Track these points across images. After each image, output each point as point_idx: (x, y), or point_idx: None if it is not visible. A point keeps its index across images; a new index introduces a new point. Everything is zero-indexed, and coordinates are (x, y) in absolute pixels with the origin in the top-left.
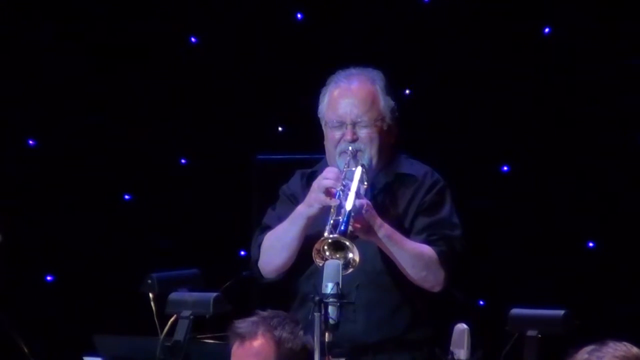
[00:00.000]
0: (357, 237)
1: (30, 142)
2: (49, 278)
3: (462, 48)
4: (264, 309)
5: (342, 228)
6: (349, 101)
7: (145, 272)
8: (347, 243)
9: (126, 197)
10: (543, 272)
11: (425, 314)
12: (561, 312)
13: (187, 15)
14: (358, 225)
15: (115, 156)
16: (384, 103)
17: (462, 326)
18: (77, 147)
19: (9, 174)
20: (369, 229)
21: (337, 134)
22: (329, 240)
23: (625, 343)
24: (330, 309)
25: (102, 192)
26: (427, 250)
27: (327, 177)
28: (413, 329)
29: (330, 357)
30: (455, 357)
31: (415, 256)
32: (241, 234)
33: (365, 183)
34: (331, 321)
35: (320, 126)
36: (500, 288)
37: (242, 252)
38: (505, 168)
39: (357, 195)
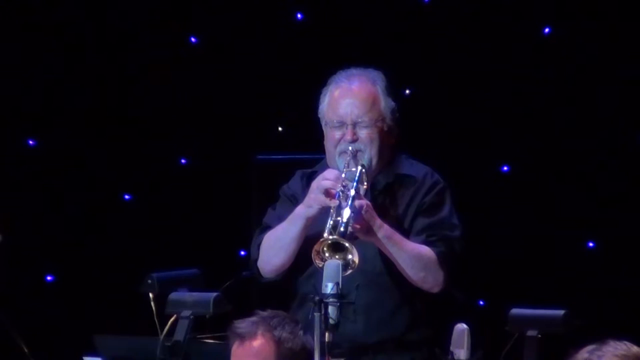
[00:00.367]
0: (356, 237)
1: (30, 142)
2: (49, 278)
3: (462, 48)
4: (264, 309)
5: (342, 229)
6: (349, 101)
7: (145, 272)
8: (347, 244)
9: (126, 197)
10: (543, 272)
11: (424, 314)
12: (561, 312)
13: (187, 15)
14: (358, 226)
15: (115, 156)
16: (385, 104)
17: (462, 326)
18: (77, 147)
19: (9, 174)
20: (368, 230)
21: (337, 134)
22: (329, 242)
23: (626, 342)
24: (330, 309)
25: (102, 192)
26: (427, 251)
27: (326, 178)
28: (412, 329)
29: (329, 357)
30: (455, 357)
31: (414, 257)
32: (241, 234)
33: (365, 183)
34: (331, 321)
35: (320, 126)
36: (500, 288)
37: (242, 252)
38: (505, 168)
39: (357, 195)
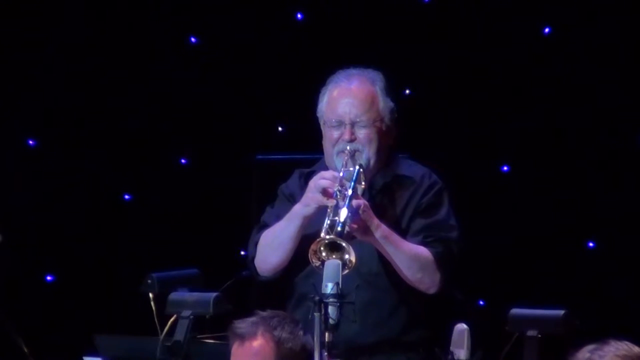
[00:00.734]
0: (354, 237)
1: (30, 142)
2: (49, 278)
3: (462, 48)
4: (263, 309)
5: (339, 229)
6: (348, 101)
7: (145, 272)
8: (344, 244)
9: (126, 197)
10: (543, 272)
11: (421, 315)
12: (561, 312)
13: (187, 15)
14: (355, 226)
15: (115, 156)
16: (384, 104)
17: (462, 326)
18: (77, 147)
19: (9, 174)
20: (366, 230)
21: (336, 134)
22: (326, 241)
23: (627, 342)
24: (330, 309)
25: (102, 192)
26: (424, 251)
27: (324, 177)
28: (409, 330)
29: (329, 357)
30: (455, 357)
31: (411, 257)
32: (241, 234)
33: (363, 183)
34: (331, 321)
35: (319, 125)
36: (500, 288)
37: (242, 252)
38: (505, 168)
39: (355, 195)
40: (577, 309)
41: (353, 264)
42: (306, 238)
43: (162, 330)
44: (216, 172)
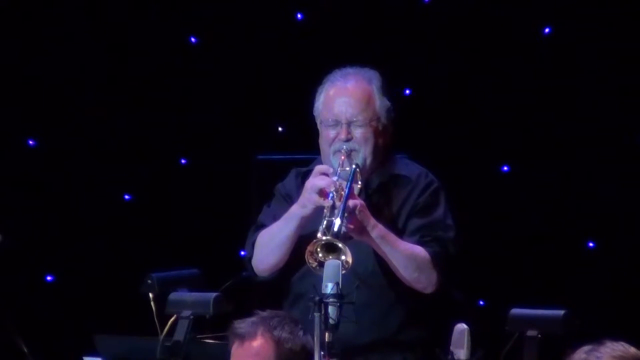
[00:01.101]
0: (350, 237)
1: (30, 142)
2: (49, 278)
3: (462, 48)
4: (263, 309)
5: (335, 229)
6: (344, 100)
7: (145, 272)
8: (340, 245)
9: (126, 197)
10: (543, 272)
11: (418, 314)
12: (561, 312)
13: (187, 15)
14: (351, 226)
15: (115, 156)
16: (380, 103)
17: (462, 326)
18: (77, 147)
19: (9, 174)
20: (362, 230)
21: (332, 133)
22: (322, 242)
23: (623, 343)
24: (331, 309)
25: (102, 192)
26: (420, 251)
27: (319, 177)
28: (405, 329)
29: (328, 358)
30: (455, 357)
31: (408, 257)
32: (241, 234)
33: (359, 183)
34: (331, 321)
35: (316, 125)
36: (500, 288)
37: (242, 252)
38: (505, 168)
39: (351, 195)
40: (577, 309)
41: (349, 265)
42: (303, 238)
43: (162, 330)
44: (216, 172)
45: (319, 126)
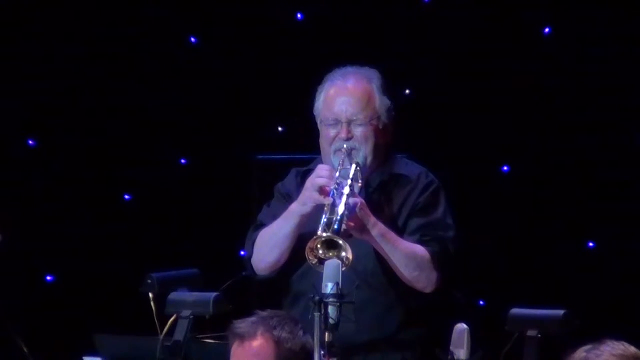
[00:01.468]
0: (351, 236)
1: (30, 142)
2: (49, 278)
3: (462, 48)
4: (263, 309)
5: (336, 226)
6: (344, 99)
7: (145, 272)
8: (341, 242)
9: (126, 197)
10: (543, 272)
11: (418, 314)
12: (561, 312)
13: (187, 15)
14: (352, 224)
15: (115, 156)
16: (380, 102)
17: (462, 326)
18: (77, 147)
19: (9, 174)
20: (362, 228)
21: (333, 132)
22: (323, 239)
23: (623, 342)
24: (331, 309)
25: (102, 192)
26: (421, 250)
27: (320, 176)
28: (405, 329)
29: (328, 357)
30: (455, 357)
31: (408, 256)
32: (241, 234)
33: (360, 182)
34: (331, 321)
35: (316, 124)
36: (500, 288)
37: (242, 252)
38: (505, 168)
39: (352, 193)
40: (577, 309)
41: (350, 262)
42: (303, 237)
43: (162, 330)
44: (216, 172)
45: (319, 125)
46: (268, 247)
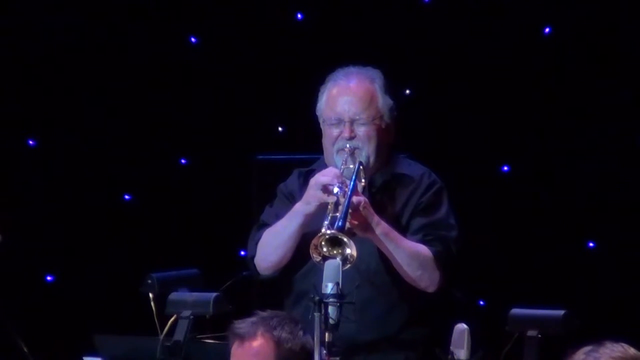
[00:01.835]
0: (354, 234)
1: (30, 142)
2: (49, 278)
3: (462, 48)
4: (263, 309)
5: (340, 224)
6: (347, 99)
7: (145, 272)
8: (345, 239)
9: (126, 197)
10: (543, 272)
11: (420, 313)
12: (561, 312)
13: (187, 15)
14: (355, 222)
15: (115, 156)
16: (383, 101)
17: (462, 326)
18: (77, 147)
19: (9, 174)
20: (366, 226)
21: (335, 132)
22: (327, 236)
23: (623, 344)
24: (330, 309)
25: (102, 192)
26: (424, 249)
27: (324, 174)
28: (407, 328)
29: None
30: (455, 357)
31: (411, 255)
32: (241, 234)
33: (363, 181)
34: (331, 321)
35: (319, 125)
36: (500, 288)
37: (242, 252)
38: (505, 168)
39: (355, 192)
40: (577, 309)
41: (354, 259)
42: (306, 236)
43: (162, 330)
44: (216, 172)
45: (322, 125)
46: (272, 246)
